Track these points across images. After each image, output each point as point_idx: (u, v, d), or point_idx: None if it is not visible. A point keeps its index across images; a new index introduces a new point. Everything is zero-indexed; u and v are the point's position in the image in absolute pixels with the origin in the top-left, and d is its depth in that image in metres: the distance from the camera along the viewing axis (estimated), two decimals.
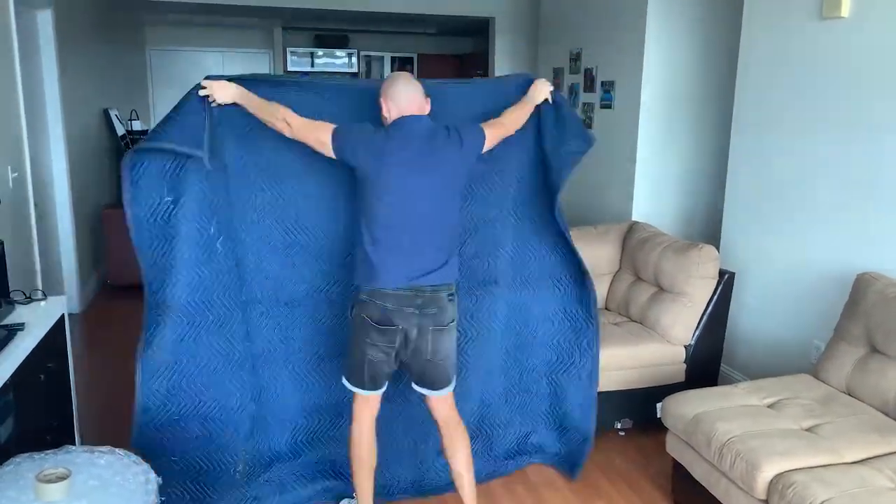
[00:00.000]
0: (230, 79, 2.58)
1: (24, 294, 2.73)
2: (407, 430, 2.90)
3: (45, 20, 4.72)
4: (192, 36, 9.40)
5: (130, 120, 6.94)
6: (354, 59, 9.41)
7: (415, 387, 2.55)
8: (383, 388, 2.53)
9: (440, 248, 2.39)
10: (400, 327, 2.37)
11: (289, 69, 9.16)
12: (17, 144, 3.95)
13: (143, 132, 6.98)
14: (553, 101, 2.77)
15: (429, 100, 2.42)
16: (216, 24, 9.24)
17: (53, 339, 2.62)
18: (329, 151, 2.34)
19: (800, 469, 2.23)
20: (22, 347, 2.30)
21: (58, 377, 2.70)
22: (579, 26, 5.49)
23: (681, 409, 2.70)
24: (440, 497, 2.90)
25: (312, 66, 9.28)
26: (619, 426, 3.39)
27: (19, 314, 2.56)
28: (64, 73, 4.94)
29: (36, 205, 4.18)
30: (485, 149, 2.48)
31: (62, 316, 2.74)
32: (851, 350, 2.79)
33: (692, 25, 4.57)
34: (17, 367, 2.21)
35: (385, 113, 2.39)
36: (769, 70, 3.55)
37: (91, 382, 3.95)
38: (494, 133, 2.52)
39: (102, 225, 5.64)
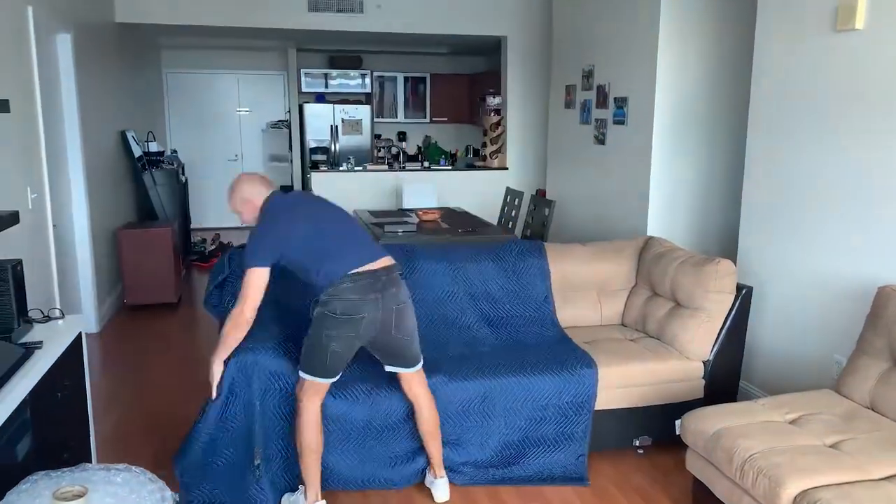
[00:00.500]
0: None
1: (42, 313, 2.75)
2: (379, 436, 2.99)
3: (64, 43, 4.81)
4: (208, 58, 9.54)
5: (147, 142, 7.04)
6: (368, 80, 9.49)
7: (387, 368, 2.80)
8: (338, 377, 2.72)
9: (371, 239, 2.80)
10: (364, 315, 2.58)
11: (303, 90, 9.25)
12: (37, 166, 4.01)
13: (160, 153, 7.07)
14: None
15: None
16: (231, 47, 9.37)
17: (71, 357, 2.63)
18: (266, 276, 2.62)
19: (824, 486, 2.18)
20: (39, 365, 2.30)
21: (75, 395, 2.71)
22: (591, 43, 5.51)
23: (701, 425, 2.66)
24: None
25: (326, 87, 9.38)
26: (637, 444, 3.34)
27: (37, 333, 2.58)
28: (82, 96, 5.01)
29: (55, 225, 4.23)
30: None
31: (79, 334, 2.75)
32: (874, 364, 2.75)
33: (704, 40, 4.58)
34: (34, 385, 2.21)
35: (251, 212, 2.73)
36: (783, 83, 3.53)
37: (108, 401, 3.96)
38: None
39: (119, 245, 5.69)
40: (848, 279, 3.20)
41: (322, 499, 2.75)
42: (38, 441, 2.25)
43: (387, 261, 2.69)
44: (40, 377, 2.27)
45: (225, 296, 3.23)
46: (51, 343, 2.48)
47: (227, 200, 2.80)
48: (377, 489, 2.99)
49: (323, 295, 2.59)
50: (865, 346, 2.81)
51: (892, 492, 2.15)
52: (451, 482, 2.98)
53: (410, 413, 2.92)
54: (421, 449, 2.97)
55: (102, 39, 5.89)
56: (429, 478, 2.98)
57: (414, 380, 2.83)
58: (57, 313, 2.80)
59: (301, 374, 2.67)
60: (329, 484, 2.90)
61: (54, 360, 2.41)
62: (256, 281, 2.58)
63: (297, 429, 2.70)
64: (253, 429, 2.77)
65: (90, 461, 2.82)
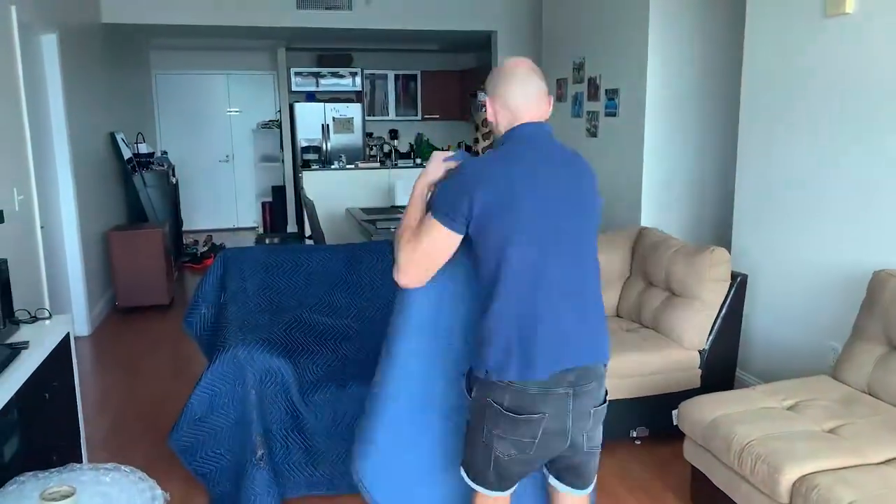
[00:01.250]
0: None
1: (29, 313, 2.71)
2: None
3: (49, 44, 4.76)
4: (197, 59, 9.48)
5: (136, 143, 6.98)
6: (358, 79, 9.45)
7: (552, 482, 1.96)
8: (513, 489, 1.94)
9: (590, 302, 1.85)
10: (545, 414, 1.75)
11: (293, 90, 9.20)
12: (23, 167, 3.96)
13: (149, 155, 7.02)
14: None
15: (551, 100, 1.88)
16: (220, 48, 9.32)
17: (59, 357, 2.60)
18: (455, 242, 1.78)
19: (823, 471, 2.17)
20: (26, 366, 2.27)
21: (64, 396, 2.68)
22: (581, 36, 5.49)
23: (698, 414, 2.64)
24: None
25: (317, 86, 9.33)
26: (634, 435, 3.32)
27: (24, 333, 2.54)
28: (69, 97, 4.97)
29: (42, 227, 4.18)
30: None
31: (67, 334, 2.72)
32: (870, 349, 2.73)
33: (694, 30, 4.56)
34: (20, 385, 2.18)
35: (491, 119, 1.85)
36: (774, 70, 3.52)
37: (100, 402, 3.92)
38: None
39: (110, 247, 5.64)
40: (842, 266, 3.19)
41: None
42: (26, 442, 2.22)
43: (596, 357, 1.83)
44: (27, 378, 2.24)
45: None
46: (38, 343, 2.44)
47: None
48: None
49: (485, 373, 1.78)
50: (861, 331, 2.80)
51: (890, 475, 2.13)
52: None
53: None
54: None
55: (89, 40, 5.84)
56: None
57: (575, 502, 1.99)
58: (45, 314, 2.76)
59: (462, 473, 1.94)
60: None
61: (41, 360, 2.38)
62: (426, 238, 1.78)
63: None
64: (251, 417, 2.74)
65: (80, 463, 2.78)
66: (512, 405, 1.74)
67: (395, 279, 1.82)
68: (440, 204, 1.77)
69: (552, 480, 1.96)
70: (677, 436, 2.81)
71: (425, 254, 1.78)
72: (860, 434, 2.36)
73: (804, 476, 2.17)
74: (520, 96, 1.80)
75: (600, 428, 1.91)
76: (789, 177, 3.46)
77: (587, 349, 1.80)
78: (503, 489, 1.88)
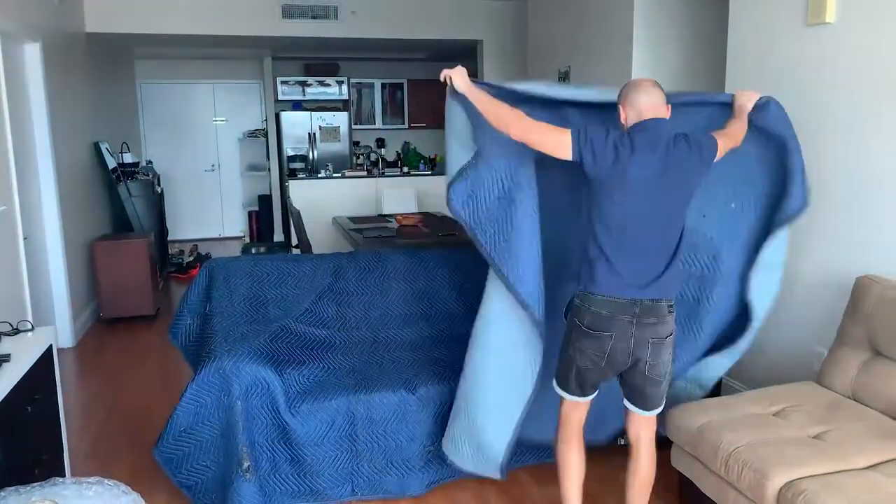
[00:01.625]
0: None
1: (11, 325, 2.68)
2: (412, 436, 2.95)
3: (33, 53, 4.72)
4: (182, 68, 9.45)
5: (121, 152, 6.94)
6: (345, 87, 9.45)
7: (625, 402, 2.48)
8: (593, 395, 2.48)
9: (666, 255, 2.32)
10: (612, 335, 2.31)
11: (279, 99, 9.19)
12: (5, 177, 3.93)
13: (134, 164, 6.98)
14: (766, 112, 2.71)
15: (669, 108, 2.35)
16: (206, 57, 9.30)
17: (41, 370, 2.57)
18: (566, 152, 2.27)
19: (809, 477, 2.18)
20: (8, 379, 2.24)
21: (47, 409, 2.64)
22: (566, 44, 5.53)
23: (685, 421, 2.65)
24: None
25: (304, 94, 9.32)
26: (622, 442, 3.31)
27: (6, 346, 2.51)
28: (53, 106, 4.93)
29: (26, 238, 4.14)
30: (716, 160, 2.42)
31: (50, 346, 2.69)
32: (855, 355, 2.75)
33: (679, 39, 4.60)
34: (2, 399, 2.15)
35: (622, 120, 2.35)
36: (757, 78, 3.55)
37: (84, 415, 3.88)
38: (724, 144, 2.46)
39: (94, 258, 5.60)
40: (826, 271, 3.21)
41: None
42: (8, 456, 2.19)
43: (657, 294, 2.32)
44: (8, 391, 2.21)
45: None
46: (20, 356, 2.41)
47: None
48: None
49: (577, 299, 2.39)
50: (845, 336, 2.82)
51: (875, 480, 2.14)
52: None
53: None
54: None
55: (73, 49, 5.80)
56: None
57: (643, 423, 2.48)
58: (27, 325, 2.73)
59: (553, 383, 2.52)
60: None
61: (23, 373, 2.35)
62: (552, 126, 2.32)
63: (554, 446, 2.58)
64: (237, 429, 2.72)
65: (63, 476, 2.74)
66: (590, 324, 2.32)
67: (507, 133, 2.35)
68: (581, 132, 2.28)
69: (624, 401, 2.49)
70: (665, 442, 2.81)
71: (539, 143, 2.32)
72: (845, 439, 2.38)
73: (790, 482, 2.18)
74: (643, 101, 2.32)
75: (662, 362, 2.37)
76: None
77: (651, 288, 2.30)
78: (584, 395, 2.46)
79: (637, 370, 2.36)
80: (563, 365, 2.45)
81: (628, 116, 2.34)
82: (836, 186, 3.13)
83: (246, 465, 2.70)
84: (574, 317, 2.38)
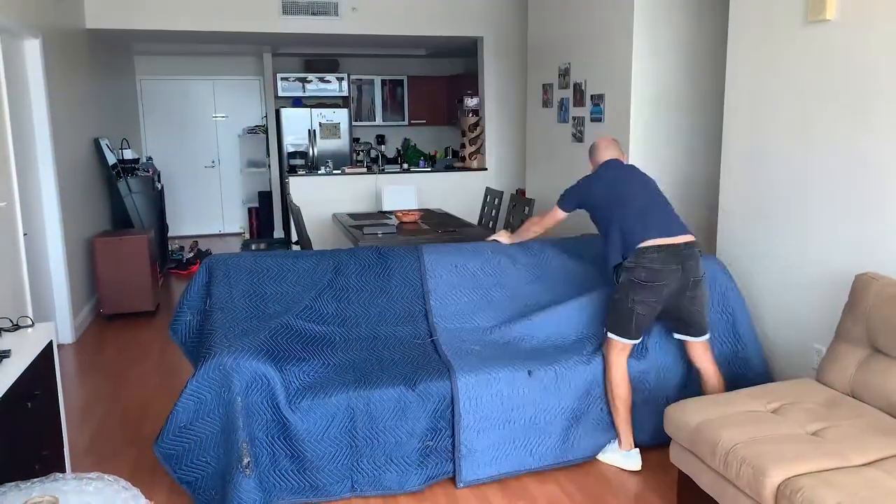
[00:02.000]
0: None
1: (11, 322, 2.69)
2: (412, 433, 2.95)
3: (32, 50, 4.72)
4: (182, 64, 9.44)
5: (121, 149, 6.94)
6: (345, 84, 9.44)
7: (680, 336, 3.16)
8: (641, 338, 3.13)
9: (666, 204, 3.15)
10: (665, 283, 2.95)
11: (279, 95, 9.18)
12: (5, 173, 3.93)
13: (135, 161, 6.98)
14: None
15: (625, 156, 3.40)
16: (206, 53, 9.28)
17: (41, 366, 2.57)
18: (563, 216, 3.41)
19: (807, 473, 2.18)
20: (8, 375, 2.24)
21: (47, 405, 2.65)
22: (567, 41, 5.52)
23: (683, 418, 2.65)
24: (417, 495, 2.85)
25: (304, 91, 9.31)
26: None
27: (6, 341, 2.51)
28: (53, 103, 4.93)
29: (25, 234, 4.15)
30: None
31: (50, 342, 2.69)
32: (853, 352, 2.76)
33: (679, 35, 4.59)
34: (2, 395, 2.15)
35: (592, 169, 3.39)
36: (758, 75, 3.55)
37: (84, 410, 3.89)
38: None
39: (94, 254, 5.60)
40: (825, 268, 3.22)
41: (635, 447, 3.17)
42: (8, 452, 2.20)
43: (688, 237, 3.04)
44: (8, 387, 2.21)
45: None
46: (20, 352, 2.42)
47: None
48: None
49: (628, 262, 3.00)
50: (844, 333, 2.82)
51: (873, 477, 2.15)
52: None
53: None
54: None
55: (73, 46, 5.80)
56: None
57: (700, 348, 3.14)
58: (27, 321, 2.73)
59: (609, 335, 3.08)
60: None
61: (23, 368, 2.35)
62: (555, 215, 3.42)
63: (607, 384, 3.11)
64: (237, 425, 2.72)
65: (63, 472, 2.75)
66: (647, 278, 2.97)
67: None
68: (565, 199, 3.40)
69: (676, 335, 3.19)
70: (664, 439, 2.82)
71: (553, 225, 3.53)
72: (844, 436, 2.38)
73: (789, 479, 2.18)
74: (603, 153, 3.39)
75: (700, 294, 3.06)
76: (773, 180, 3.49)
77: (676, 226, 3.09)
78: (638, 337, 3.09)
79: (684, 305, 3.03)
80: (621, 317, 3.04)
81: (597, 164, 3.36)
82: (836, 184, 3.13)
83: (246, 460, 2.70)
84: (629, 276, 2.99)
